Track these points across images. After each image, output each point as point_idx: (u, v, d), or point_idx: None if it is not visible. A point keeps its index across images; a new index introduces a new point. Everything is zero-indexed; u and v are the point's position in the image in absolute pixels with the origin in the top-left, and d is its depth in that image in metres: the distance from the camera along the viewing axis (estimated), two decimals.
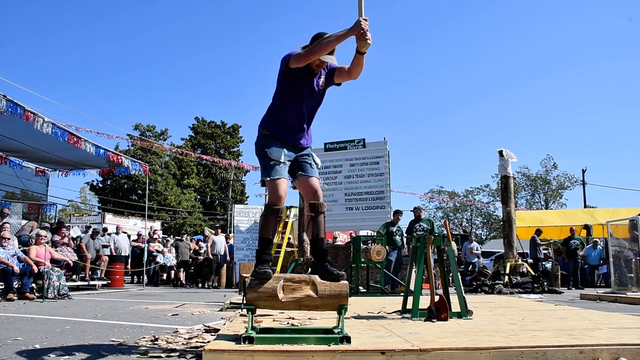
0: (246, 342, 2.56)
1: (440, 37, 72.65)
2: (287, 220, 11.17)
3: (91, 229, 12.32)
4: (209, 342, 2.82)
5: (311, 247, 2.92)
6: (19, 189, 12.57)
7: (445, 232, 4.45)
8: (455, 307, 4.02)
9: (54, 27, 64.43)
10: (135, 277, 14.76)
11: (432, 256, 4.27)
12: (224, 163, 34.50)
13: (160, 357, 2.86)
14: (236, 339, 2.64)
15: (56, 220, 12.35)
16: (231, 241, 13.87)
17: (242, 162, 36.61)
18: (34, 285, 8.09)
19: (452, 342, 2.66)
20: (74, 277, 10.06)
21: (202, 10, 67.16)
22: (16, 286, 7.76)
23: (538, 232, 13.26)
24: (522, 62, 70.32)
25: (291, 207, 11.58)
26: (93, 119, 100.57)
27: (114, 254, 12.30)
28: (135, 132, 37.82)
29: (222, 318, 4.96)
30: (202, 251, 13.86)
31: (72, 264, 9.74)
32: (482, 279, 10.82)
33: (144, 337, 3.60)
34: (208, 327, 4.07)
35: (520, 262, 11.59)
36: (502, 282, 10.50)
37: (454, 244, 4.41)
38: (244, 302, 2.78)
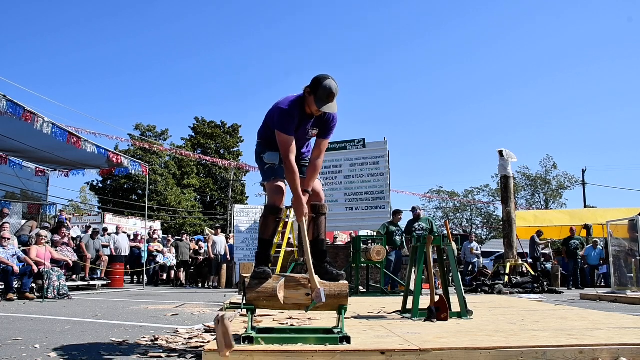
0: (246, 342, 2.56)
1: (440, 37, 72.72)
2: (287, 220, 11.16)
3: (91, 229, 12.32)
4: (209, 342, 2.81)
5: (311, 248, 2.93)
6: (19, 189, 12.55)
7: (445, 232, 4.45)
8: (455, 307, 4.02)
9: (54, 27, 64.51)
10: (135, 277, 14.77)
11: (432, 256, 4.27)
12: (223, 163, 34.49)
13: (160, 357, 2.86)
14: (236, 339, 2.63)
15: (56, 221, 12.34)
16: (231, 241, 13.87)
17: (242, 162, 36.66)
18: (34, 285, 8.08)
19: (452, 342, 2.66)
20: (74, 277, 10.07)
21: (202, 10, 67.24)
22: (16, 286, 7.76)
23: (539, 233, 13.27)
24: (522, 62, 70.41)
25: (291, 207, 11.54)
26: (93, 119, 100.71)
27: (114, 254, 12.29)
28: (136, 132, 37.87)
29: None
30: (202, 251, 13.88)
31: (72, 264, 9.74)
32: (482, 279, 10.81)
33: (144, 337, 3.60)
34: (208, 327, 4.07)
35: (520, 262, 11.59)
36: (502, 282, 10.49)
37: (454, 244, 4.40)
38: (244, 302, 2.78)
